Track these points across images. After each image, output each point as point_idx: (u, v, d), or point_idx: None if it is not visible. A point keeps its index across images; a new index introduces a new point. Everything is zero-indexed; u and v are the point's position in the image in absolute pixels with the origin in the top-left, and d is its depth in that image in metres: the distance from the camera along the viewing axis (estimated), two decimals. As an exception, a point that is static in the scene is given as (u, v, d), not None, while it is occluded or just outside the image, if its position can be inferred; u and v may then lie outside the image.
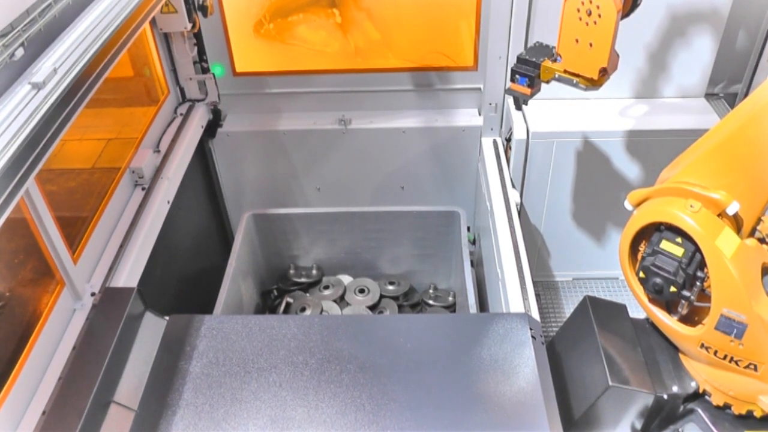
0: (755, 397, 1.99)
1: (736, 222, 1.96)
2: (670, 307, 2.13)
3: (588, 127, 3.19)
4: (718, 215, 1.93)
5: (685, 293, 1.99)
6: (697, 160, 2.00)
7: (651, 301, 2.14)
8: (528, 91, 2.46)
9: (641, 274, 2.08)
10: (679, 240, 1.98)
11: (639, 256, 2.15)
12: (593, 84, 2.32)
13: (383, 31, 3.42)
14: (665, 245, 2.00)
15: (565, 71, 2.35)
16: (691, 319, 2.09)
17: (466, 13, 3.29)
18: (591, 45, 2.21)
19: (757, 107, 1.87)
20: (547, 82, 2.45)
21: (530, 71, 2.42)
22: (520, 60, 2.44)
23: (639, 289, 2.14)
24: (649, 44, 3.15)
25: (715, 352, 1.97)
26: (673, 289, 1.99)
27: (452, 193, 3.71)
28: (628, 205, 2.16)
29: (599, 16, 2.16)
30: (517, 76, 2.46)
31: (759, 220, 2.00)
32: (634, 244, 2.14)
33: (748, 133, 1.89)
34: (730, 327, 1.89)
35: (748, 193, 1.92)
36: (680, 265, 1.97)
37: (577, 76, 2.32)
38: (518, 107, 2.62)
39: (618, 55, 2.28)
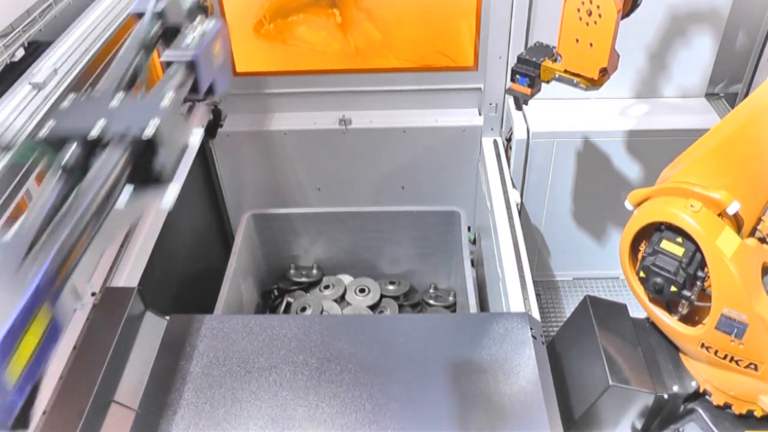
0: (755, 396, 1.99)
1: (737, 222, 1.96)
2: (670, 307, 2.13)
3: (588, 127, 3.19)
4: (719, 215, 1.93)
5: (686, 293, 1.99)
6: (698, 159, 2.00)
7: (651, 300, 2.14)
8: (528, 91, 2.46)
9: (641, 274, 2.08)
10: (679, 240, 1.97)
11: (639, 256, 2.15)
12: (593, 84, 2.32)
13: (383, 31, 3.42)
14: (666, 245, 2.00)
15: (566, 71, 2.35)
16: (692, 318, 2.09)
17: (466, 13, 3.29)
18: (591, 45, 2.21)
19: (758, 107, 1.87)
20: (548, 82, 2.44)
21: (530, 71, 2.41)
22: (520, 60, 2.43)
23: (639, 288, 2.14)
24: (649, 44, 3.15)
25: (716, 352, 1.97)
26: (673, 288, 1.99)
27: (452, 192, 3.71)
28: (628, 205, 2.16)
29: (599, 16, 2.15)
30: (518, 76, 2.45)
31: (759, 220, 2.00)
32: (634, 243, 2.14)
33: (749, 132, 1.89)
34: (731, 327, 1.89)
35: (748, 193, 1.92)
36: (680, 264, 1.96)
37: (578, 76, 2.32)
38: (518, 107, 2.61)
39: (618, 55, 2.28)
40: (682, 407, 2.14)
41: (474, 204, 3.72)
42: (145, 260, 2.51)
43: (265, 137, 3.55)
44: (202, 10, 3.06)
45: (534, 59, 2.40)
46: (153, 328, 2.03)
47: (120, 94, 1.35)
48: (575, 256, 3.69)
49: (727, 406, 2.06)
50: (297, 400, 1.72)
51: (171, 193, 1.29)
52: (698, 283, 1.98)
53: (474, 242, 3.70)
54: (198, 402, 1.75)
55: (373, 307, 3.35)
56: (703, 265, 1.95)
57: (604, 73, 2.27)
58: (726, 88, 3.50)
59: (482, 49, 3.29)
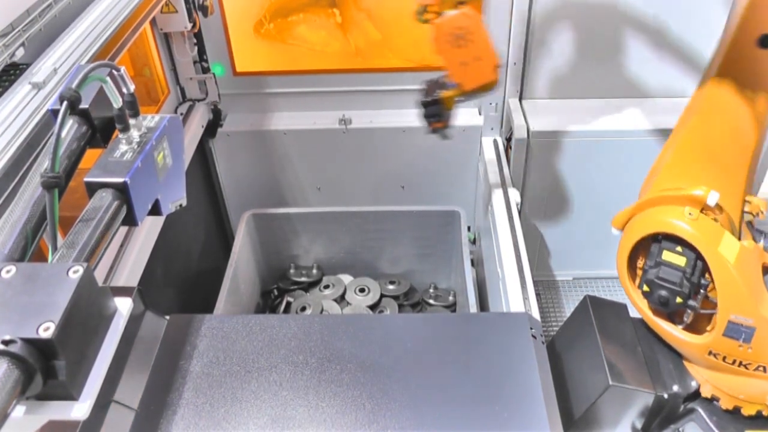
0: (765, 397, 1.98)
1: (727, 215, 1.96)
2: (673, 318, 2.10)
3: (588, 126, 3.19)
4: (701, 210, 1.92)
5: (692, 302, 1.95)
6: (668, 166, 2.03)
7: (655, 313, 2.11)
8: (444, 123, 2.55)
9: (645, 288, 2.03)
10: (679, 249, 1.94)
11: (638, 271, 2.12)
12: (495, 83, 2.41)
13: (383, 31, 3.42)
14: (667, 256, 1.96)
15: (467, 91, 2.43)
16: (694, 326, 2.07)
17: (466, 12, 3.29)
18: (478, 58, 2.31)
19: (702, 103, 1.97)
20: (454, 107, 2.52)
21: (436, 110, 2.49)
22: (422, 104, 2.51)
23: (643, 303, 2.11)
24: (648, 44, 3.15)
25: (724, 358, 1.95)
26: (679, 299, 1.95)
27: (452, 192, 3.71)
28: (614, 230, 2.16)
29: (469, 33, 2.24)
30: (429, 119, 2.54)
31: (746, 202, 2.00)
32: (630, 258, 2.12)
33: (702, 128, 1.95)
34: (738, 332, 1.87)
35: (724, 181, 1.94)
36: (684, 274, 1.93)
37: (480, 86, 2.41)
38: (447, 137, 2.67)
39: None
40: (682, 407, 2.14)
41: (474, 204, 3.72)
42: (145, 260, 2.51)
43: (265, 137, 3.55)
44: (202, 9, 3.08)
45: (433, 98, 2.47)
46: (153, 328, 2.03)
47: (9, 269, 1.02)
48: (575, 256, 3.69)
49: (737, 409, 2.05)
50: (297, 400, 1.72)
51: (80, 408, 1.03)
52: (701, 291, 1.95)
53: (474, 242, 3.70)
54: (198, 402, 1.75)
55: (373, 307, 3.35)
56: (703, 272, 1.94)
57: (499, 67, 2.37)
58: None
59: (482, 49, 3.28)
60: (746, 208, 2.01)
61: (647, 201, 2.03)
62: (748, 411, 2.03)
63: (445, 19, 2.25)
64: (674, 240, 1.96)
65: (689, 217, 1.90)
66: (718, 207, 1.92)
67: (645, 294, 2.05)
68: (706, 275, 1.93)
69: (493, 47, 2.32)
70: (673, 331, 2.07)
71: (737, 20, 1.96)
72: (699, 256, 1.92)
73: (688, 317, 2.01)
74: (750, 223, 2.09)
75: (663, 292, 1.97)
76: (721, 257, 1.86)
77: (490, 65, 2.33)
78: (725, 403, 2.05)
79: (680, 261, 1.95)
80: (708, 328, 2.00)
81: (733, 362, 1.94)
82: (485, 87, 2.40)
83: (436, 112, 2.50)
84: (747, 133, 1.96)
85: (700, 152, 1.96)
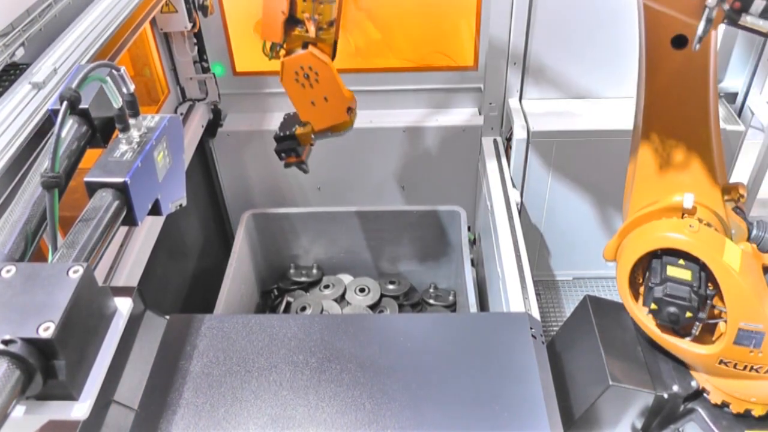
0: None
1: (712, 212, 1.96)
2: (680, 331, 2.06)
3: (588, 126, 3.19)
4: (683, 216, 1.92)
5: (701, 315, 1.92)
6: (637, 186, 2.02)
7: (662, 329, 2.07)
8: (301, 158, 2.56)
9: (653, 306, 1.98)
10: (681, 262, 1.92)
11: (640, 289, 2.09)
12: (348, 124, 2.42)
13: (383, 31, 3.42)
14: (672, 271, 1.92)
15: (318, 130, 2.45)
16: (699, 336, 2.03)
17: (466, 13, 3.30)
18: (326, 99, 2.33)
19: (641, 115, 2.01)
20: (312, 143, 2.54)
21: (291, 144, 2.51)
22: (277, 139, 2.52)
23: (649, 321, 2.08)
24: (649, 44, 3.15)
25: (735, 365, 1.94)
26: (688, 314, 1.91)
27: (452, 192, 3.71)
28: (607, 262, 2.14)
29: (317, 74, 2.26)
30: (283, 154, 2.55)
31: (726, 191, 1.99)
32: (630, 278, 2.09)
33: (654, 138, 1.95)
34: (749, 338, 1.85)
35: (695, 181, 1.93)
36: (692, 288, 1.90)
37: (331, 127, 2.42)
38: (305, 171, 2.67)
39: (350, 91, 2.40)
40: (681, 407, 2.14)
41: (474, 204, 3.72)
42: (145, 260, 2.51)
43: (265, 137, 3.54)
44: (202, 9, 3.08)
45: (288, 132, 2.48)
46: (153, 328, 2.03)
47: (9, 269, 1.02)
48: (575, 256, 3.69)
49: (748, 412, 2.04)
50: (297, 400, 1.72)
51: (80, 408, 1.03)
52: (708, 301, 1.92)
53: (474, 242, 3.70)
54: (198, 402, 1.75)
55: (373, 307, 3.35)
56: (707, 282, 1.92)
57: (351, 110, 2.38)
58: (726, 87, 3.50)
59: (482, 49, 3.29)
60: (727, 196, 2.00)
61: (629, 225, 2.02)
62: (758, 412, 2.02)
63: (290, 58, 2.27)
64: (675, 254, 1.93)
65: (690, 229, 1.87)
66: (700, 205, 1.91)
67: (652, 312, 1.99)
68: (710, 285, 1.91)
69: (344, 89, 2.33)
70: (682, 345, 2.04)
71: (643, 26, 1.95)
72: (702, 268, 1.90)
73: (696, 329, 1.97)
74: (738, 208, 2.06)
75: (672, 309, 1.92)
76: (728, 267, 1.83)
77: (340, 106, 2.35)
78: (736, 407, 2.03)
79: (686, 275, 1.90)
80: (712, 337, 1.98)
81: (744, 368, 1.93)
82: (337, 128, 2.43)
83: (290, 147, 2.51)
84: (697, 126, 1.95)
85: (662, 161, 1.94)
